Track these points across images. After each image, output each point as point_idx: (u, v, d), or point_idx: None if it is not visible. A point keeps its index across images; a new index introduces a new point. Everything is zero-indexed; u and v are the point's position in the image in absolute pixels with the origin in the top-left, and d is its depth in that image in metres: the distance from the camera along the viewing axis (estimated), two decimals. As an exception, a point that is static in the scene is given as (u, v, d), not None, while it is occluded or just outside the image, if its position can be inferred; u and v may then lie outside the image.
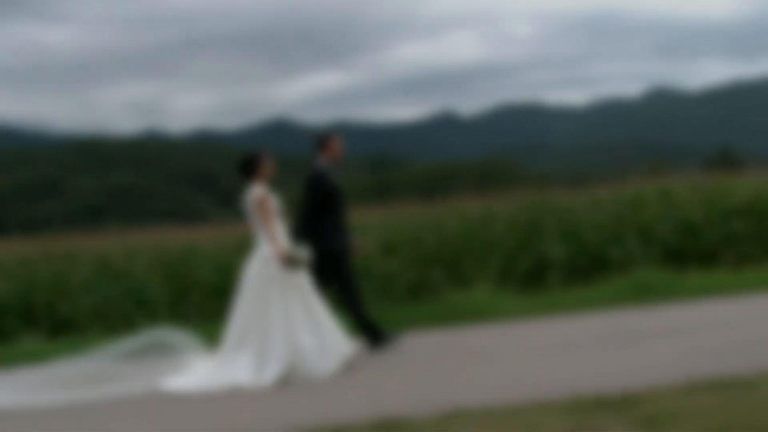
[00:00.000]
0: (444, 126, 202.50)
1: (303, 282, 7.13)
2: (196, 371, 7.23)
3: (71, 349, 8.94)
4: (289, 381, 6.66)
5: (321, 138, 8.01)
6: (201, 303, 11.39)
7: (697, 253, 12.16)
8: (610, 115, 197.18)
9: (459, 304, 9.30)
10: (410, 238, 12.56)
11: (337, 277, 7.74)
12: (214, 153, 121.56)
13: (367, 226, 14.36)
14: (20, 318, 11.42)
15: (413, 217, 14.50)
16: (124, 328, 10.38)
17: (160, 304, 11.21)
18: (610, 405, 4.64)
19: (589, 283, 10.87)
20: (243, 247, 10.94)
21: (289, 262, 6.95)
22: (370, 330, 7.74)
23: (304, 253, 7.02)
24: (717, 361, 5.80)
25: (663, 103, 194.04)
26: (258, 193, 7.20)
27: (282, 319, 6.95)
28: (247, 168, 7.36)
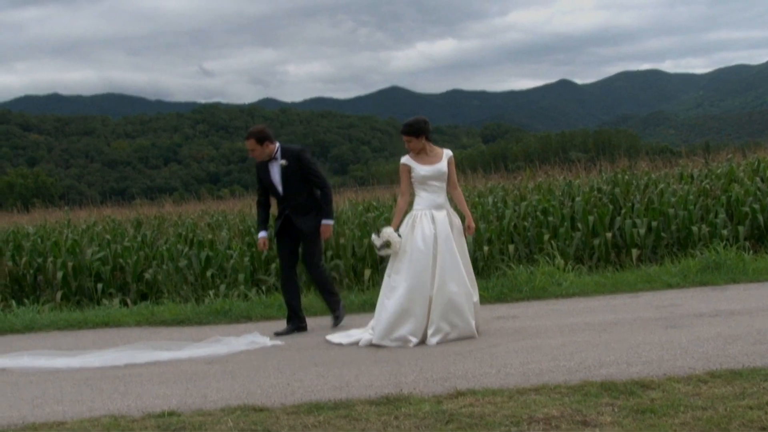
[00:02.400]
0: (561, 94, 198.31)
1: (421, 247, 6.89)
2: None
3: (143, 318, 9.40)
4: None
5: None
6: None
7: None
8: (734, 83, 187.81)
9: (518, 280, 9.21)
10: (489, 211, 12.48)
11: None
12: (329, 121, 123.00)
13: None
14: (109, 283, 12.03)
15: (498, 189, 14.40)
16: (204, 295, 10.82)
17: (240, 271, 11.53)
18: (615, 390, 4.55)
19: (669, 261, 10.54)
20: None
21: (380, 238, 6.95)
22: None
23: (387, 240, 6.89)
24: (753, 350, 5.57)
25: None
26: (401, 161, 7.28)
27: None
28: None
